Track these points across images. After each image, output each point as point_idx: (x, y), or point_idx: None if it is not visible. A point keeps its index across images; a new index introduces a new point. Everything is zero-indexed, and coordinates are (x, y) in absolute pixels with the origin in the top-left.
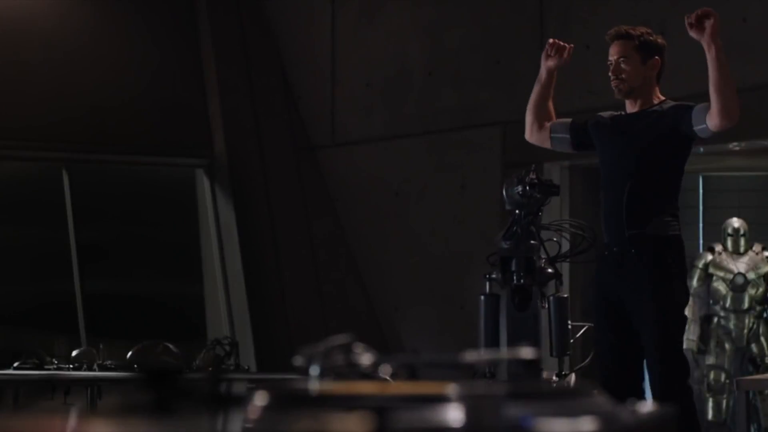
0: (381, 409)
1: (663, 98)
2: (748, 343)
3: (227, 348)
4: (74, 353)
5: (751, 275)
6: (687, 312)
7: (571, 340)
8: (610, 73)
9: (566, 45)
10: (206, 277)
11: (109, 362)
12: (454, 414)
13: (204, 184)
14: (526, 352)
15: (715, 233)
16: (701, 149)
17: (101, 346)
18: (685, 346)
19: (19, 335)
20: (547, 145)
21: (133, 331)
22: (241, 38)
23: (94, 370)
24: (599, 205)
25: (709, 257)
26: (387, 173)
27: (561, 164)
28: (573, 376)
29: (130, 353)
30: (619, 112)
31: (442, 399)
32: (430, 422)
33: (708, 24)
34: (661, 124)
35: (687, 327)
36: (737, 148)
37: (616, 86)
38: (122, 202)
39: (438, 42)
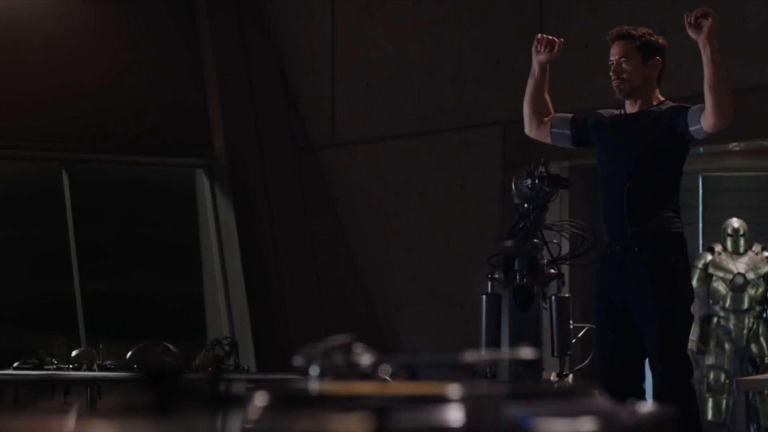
0: (381, 409)
1: (662, 99)
2: (748, 344)
3: (227, 348)
4: (74, 353)
5: (750, 275)
6: None
7: (572, 341)
8: (611, 73)
9: (555, 39)
10: (206, 277)
11: (108, 362)
12: (454, 414)
13: (204, 184)
14: (526, 353)
15: (715, 233)
16: (701, 149)
17: (101, 346)
18: None
19: (19, 335)
20: (547, 140)
21: (133, 331)
22: (241, 38)
23: (94, 370)
24: (599, 205)
25: (709, 257)
26: (387, 173)
27: (561, 164)
28: (571, 377)
29: (129, 353)
30: (619, 111)
31: (442, 399)
32: (430, 422)
33: (705, 24)
34: (659, 125)
35: None
36: (737, 148)
37: (617, 86)
38: (122, 202)
39: (438, 42)
